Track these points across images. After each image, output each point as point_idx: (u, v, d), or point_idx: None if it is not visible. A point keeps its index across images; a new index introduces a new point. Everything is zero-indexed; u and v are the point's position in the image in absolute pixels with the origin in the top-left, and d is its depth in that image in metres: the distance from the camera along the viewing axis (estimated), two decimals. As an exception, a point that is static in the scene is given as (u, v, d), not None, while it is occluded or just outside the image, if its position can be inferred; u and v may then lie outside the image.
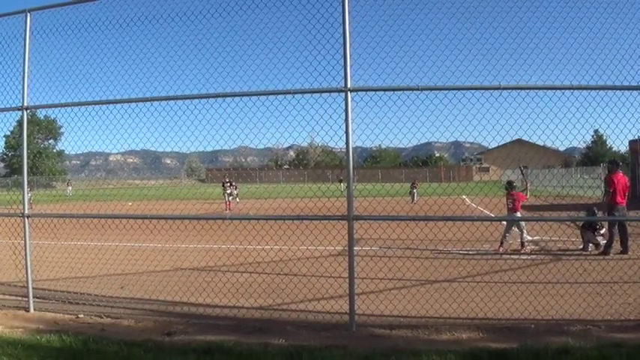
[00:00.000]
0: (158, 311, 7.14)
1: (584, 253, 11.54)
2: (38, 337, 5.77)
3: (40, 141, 79.46)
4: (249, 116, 7.02)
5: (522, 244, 11.97)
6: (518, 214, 12.48)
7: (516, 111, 6.31)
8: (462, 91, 6.24)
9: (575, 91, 6.00)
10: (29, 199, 27.65)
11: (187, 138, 7.55)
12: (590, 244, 11.80)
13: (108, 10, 7.20)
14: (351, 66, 6.08)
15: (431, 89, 6.16)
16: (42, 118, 65.84)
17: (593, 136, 79.45)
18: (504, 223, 12.83)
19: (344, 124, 6.11)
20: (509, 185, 12.88)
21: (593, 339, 5.50)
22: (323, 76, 6.23)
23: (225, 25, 6.91)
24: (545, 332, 5.87)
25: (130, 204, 25.93)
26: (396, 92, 6.29)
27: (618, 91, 6.01)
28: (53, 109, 7.99)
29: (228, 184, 28.29)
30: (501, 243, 12.06)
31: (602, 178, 14.26)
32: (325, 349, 5.34)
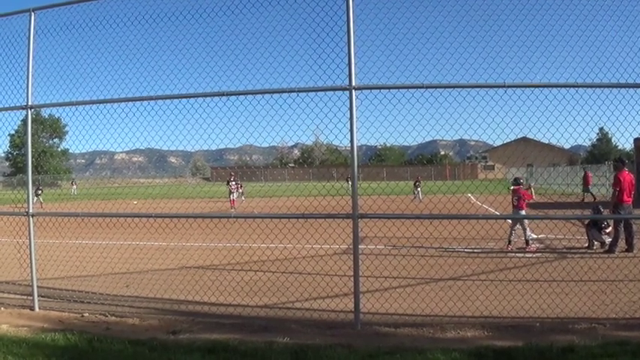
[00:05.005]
0: (163, 310, 7.16)
1: (589, 251, 11.49)
2: (43, 336, 5.78)
3: (44, 140, 79.77)
4: (254, 115, 7.02)
5: (527, 242, 11.93)
6: (523, 212, 12.46)
7: (521, 109, 6.29)
8: (467, 89, 6.22)
9: (580, 88, 5.98)
10: (40, 199, 27.77)
11: (192, 136, 7.59)
12: (596, 242, 11.75)
13: (112, 9, 7.21)
14: (355, 64, 6.07)
15: (436, 87, 6.14)
16: (46, 116, 66.17)
17: (598, 134, 79.31)
18: (509, 221, 12.81)
19: (348, 123, 6.09)
20: (515, 182, 12.84)
21: (599, 337, 5.48)
22: (327, 75, 6.22)
23: (230, 24, 6.92)
24: (550, 330, 5.84)
25: (135, 203, 26.06)
26: (400, 90, 6.28)
27: (623, 88, 5.97)
28: (58, 107, 8.00)
29: (234, 183, 28.09)
30: (509, 241, 12.03)
31: (608, 177, 14.23)
32: (330, 348, 5.33)
